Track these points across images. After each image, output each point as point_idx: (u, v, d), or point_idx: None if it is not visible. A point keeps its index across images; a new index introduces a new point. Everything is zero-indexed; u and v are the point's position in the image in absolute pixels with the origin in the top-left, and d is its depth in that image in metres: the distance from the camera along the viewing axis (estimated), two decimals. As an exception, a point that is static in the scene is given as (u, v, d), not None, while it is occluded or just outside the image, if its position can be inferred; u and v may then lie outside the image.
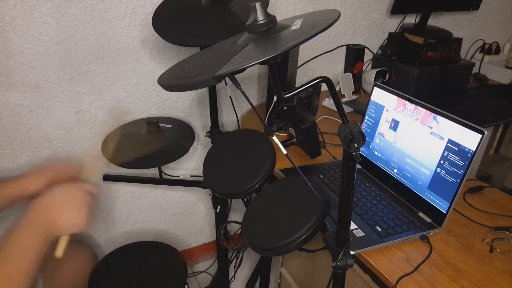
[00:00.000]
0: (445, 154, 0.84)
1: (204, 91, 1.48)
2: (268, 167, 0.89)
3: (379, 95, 1.03)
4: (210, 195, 1.67)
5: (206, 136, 1.46)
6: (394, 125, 0.98)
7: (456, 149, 0.82)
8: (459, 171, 0.81)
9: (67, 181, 0.83)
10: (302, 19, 0.61)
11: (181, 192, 1.66)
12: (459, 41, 1.67)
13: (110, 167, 1.43)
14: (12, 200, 0.89)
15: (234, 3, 1.13)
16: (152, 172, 1.53)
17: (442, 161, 0.85)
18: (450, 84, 1.69)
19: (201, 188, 1.61)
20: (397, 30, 1.81)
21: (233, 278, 1.69)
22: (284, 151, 0.59)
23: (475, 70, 1.95)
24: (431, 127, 0.88)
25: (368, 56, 1.79)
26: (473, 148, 0.79)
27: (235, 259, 1.55)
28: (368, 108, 1.07)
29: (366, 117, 1.08)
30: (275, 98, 1.26)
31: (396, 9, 1.68)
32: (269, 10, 1.04)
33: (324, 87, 1.57)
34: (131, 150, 1.24)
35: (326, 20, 0.54)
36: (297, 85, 1.54)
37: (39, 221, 0.74)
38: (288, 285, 1.30)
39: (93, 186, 0.84)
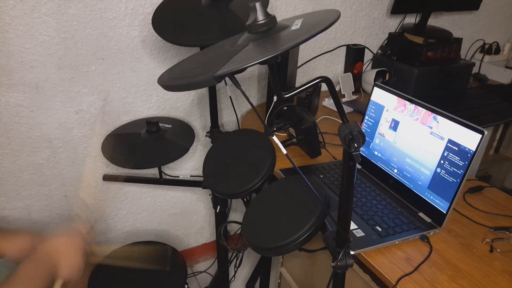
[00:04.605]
0: (445, 154, 0.84)
1: (204, 91, 1.48)
2: (268, 167, 0.89)
3: (379, 95, 1.03)
4: (210, 195, 1.67)
5: (206, 136, 1.46)
6: (394, 125, 0.98)
7: (456, 149, 0.82)
8: (459, 171, 0.81)
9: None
10: (302, 19, 0.61)
11: (181, 192, 1.66)
12: (459, 41, 1.67)
13: (110, 167, 1.43)
14: None
15: (234, 3, 1.13)
16: (152, 172, 1.53)
17: (442, 161, 0.85)
18: (450, 84, 1.69)
19: (201, 188, 1.61)
20: (397, 30, 1.81)
21: (233, 278, 1.69)
22: (284, 151, 0.59)
23: (475, 70, 1.95)
24: (431, 127, 0.88)
25: (368, 56, 1.79)
26: (473, 148, 0.79)
27: (235, 259, 1.55)
28: (368, 108, 1.07)
29: (366, 117, 1.08)
30: (275, 98, 1.26)
31: (396, 9, 1.68)
32: (269, 10, 1.04)
33: (324, 87, 1.57)
34: (131, 150, 1.24)
35: (326, 20, 0.54)
36: (297, 85, 1.54)
37: (44, 263, 0.80)
38: (288, 285, 1.30)
39: (89, 230, 0.92)
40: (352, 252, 0.78)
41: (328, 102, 1.58)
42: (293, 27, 0.57)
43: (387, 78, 1.66)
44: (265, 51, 0.51)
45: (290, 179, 0.90)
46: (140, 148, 1.23)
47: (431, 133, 0.88)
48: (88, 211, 0.95)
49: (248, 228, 0.81)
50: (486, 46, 2.09)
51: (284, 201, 0.81)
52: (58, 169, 1.35)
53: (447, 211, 0.84)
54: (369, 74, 1.69)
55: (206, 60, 0.63)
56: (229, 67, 0.50)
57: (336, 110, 0.71)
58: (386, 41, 1.80)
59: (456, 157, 0.82)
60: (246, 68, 0.49)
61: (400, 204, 0.94)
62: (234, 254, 1.54)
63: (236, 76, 0.55)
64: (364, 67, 1.77)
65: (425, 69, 1.59)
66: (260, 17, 0.57)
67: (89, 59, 1.24)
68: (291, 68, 1.30)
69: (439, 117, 0.86)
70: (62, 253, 0.83)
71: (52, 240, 0.84)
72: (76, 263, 0.84)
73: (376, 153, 1.05)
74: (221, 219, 1.42)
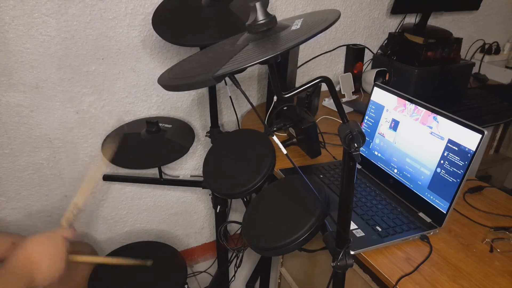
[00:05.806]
0: (445, 154, 0.84)
1: (204, 91, 1.48)
2: (268, 167, 0.89)
3: (379, 95, 1.03)
4: (210, 195, 1.67)
5: (206, 136, 1.46)
6: (394, 125, 0.98)
7: (456, 149, 0.82)
8: (459, 171, 0.81)
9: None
10: (302, 19, 0.61)
11: (181, 192, 1.66)
12: (459, 41, 1.66)
13: (110, 167, 1.43)
14: None
15: (234, 3, 1.13)
16: (152, 172, 1.53)
17: (442, 161, 0.85)
18: (450, 84, 1.69)
19: (201, 188, 1.61)
20: (397, 30, 1.81)
21: (233, 278, 1.69)
22: (284, 151, 0.59)
23: (475, 70, 1.95)
24: (431, 127, 0.88)
25: (368, 56, 1.79)
26: (473, 148, 0.79)
27: (235, 259, 1.55)
28: (368, 108, 1.07)
29: (366, 117, 1.08)
30: (275, 98, 1.26)
31: (396, 9, 1.68)
32: (269, 10, 1.04)
33: (324, 87, 1.57)
34: (131, 150, 1.24)
35: (326, 20, 0.54)
36: (297, 85, 1.54)
37: (19, 274, 0.75)
38: (288, 285, 1.30)
39: (68, 230, 0.86)
40: (352, 252, 0.78)
41: (328, 102, 1.58)
42: (293, 27, 0.57)
43: (387, 78, 1.66)
44: (265, 51, 0.51)
45: (290, 179, 0.90)
46: (140, 148, 1.23)
47: (431, 133, 0.88)
48: (78, 212, 0.91)
49: (248, 228, 0.81)
50: (486, 46, 2.09)
51: (284, 201, 0.81)
52: (58, 169, 1.35)
53: (447, 211, 0.84)
54: (369, 74, 1.69)
55: (206, 60, 0.63)
56: (229, 67, 0.50)
57: (336, 110, 0.71)
58: (386, 41, 1.80)
59: (456, 157, 0.82)
60: (246, 68, 0.49)
61: (400, 204, 0.94)
62: (234, 254, 1.54)
63: (236, 76, 0.55)
64: (364, 67, 1.77)
65: (425, 69, 1.59)
66: (260, 17, 0.57)
67: (89, 59, 1.24)
68: (291, 68, 1.30)
69: (439, 117, 0.86)
70: (36, 259, 0.78)
71: (30, 244, 0.79)
72: (55, 264, 0.80)
73: (376, 153, 1.05)
74: (221, 219, 1.42)
